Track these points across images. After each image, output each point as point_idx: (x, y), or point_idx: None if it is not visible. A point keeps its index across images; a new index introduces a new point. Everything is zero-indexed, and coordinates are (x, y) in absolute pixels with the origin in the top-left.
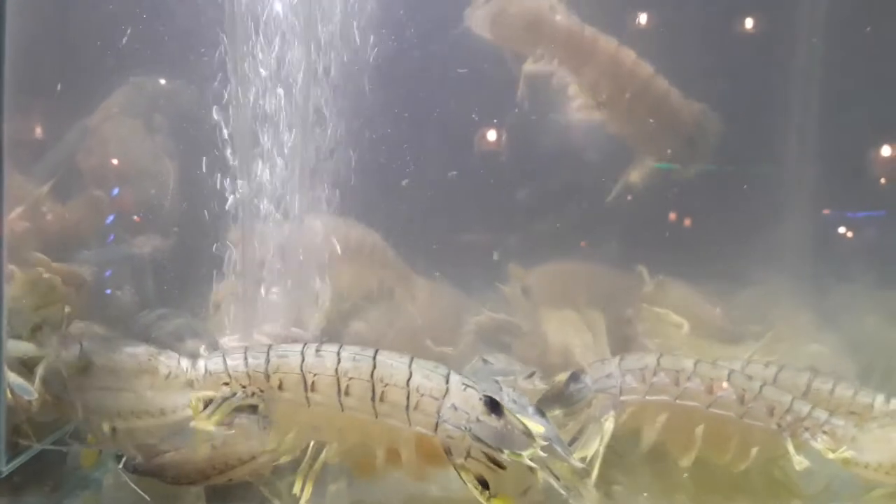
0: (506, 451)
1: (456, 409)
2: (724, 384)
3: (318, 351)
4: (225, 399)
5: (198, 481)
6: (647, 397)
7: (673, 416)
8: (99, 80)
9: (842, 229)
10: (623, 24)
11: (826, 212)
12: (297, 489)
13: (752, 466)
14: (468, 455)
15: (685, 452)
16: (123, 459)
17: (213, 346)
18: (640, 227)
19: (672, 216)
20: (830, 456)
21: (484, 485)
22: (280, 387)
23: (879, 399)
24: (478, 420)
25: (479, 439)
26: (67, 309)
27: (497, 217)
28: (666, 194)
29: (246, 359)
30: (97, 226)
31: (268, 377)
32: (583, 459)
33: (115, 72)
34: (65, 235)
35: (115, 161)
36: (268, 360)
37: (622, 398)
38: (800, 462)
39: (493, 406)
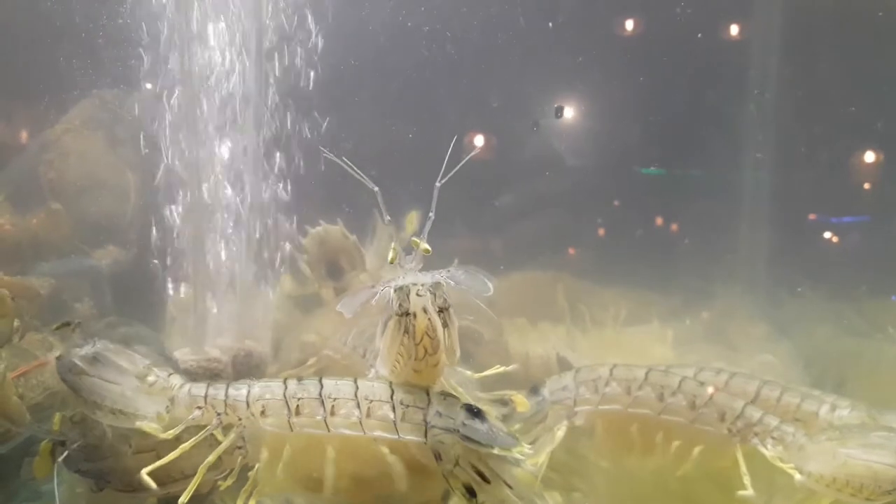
0: (496, 448)
1: (441, 415)
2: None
3: (300, 381)
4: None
5: (137, 490)
6: (600, 407)
7: (626, 424)
8: (61, 93)
9: (798, 241)
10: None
11: (783, 224)
12: None
13: (704, 473)
14: (456, 463)
15: (639, 458)
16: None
17: (162, 354)
18: (603, 240)
19: (637, 230)
20: (777, 464)
21: (471, 493)
22: (263, 413)
23: (825, 408)
24: (464, 424)
25: (468, 438)
26: (17, 322)
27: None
28: (630, 209)
29: (227, 389)
30: (56, 238)
31: (248, 405)
32: (534, 464)
33: (77, 84)
34: (23, 247)
35: (75, 174)
36: (249, 391)
37: (576, 409)
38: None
39: (475, 412)
